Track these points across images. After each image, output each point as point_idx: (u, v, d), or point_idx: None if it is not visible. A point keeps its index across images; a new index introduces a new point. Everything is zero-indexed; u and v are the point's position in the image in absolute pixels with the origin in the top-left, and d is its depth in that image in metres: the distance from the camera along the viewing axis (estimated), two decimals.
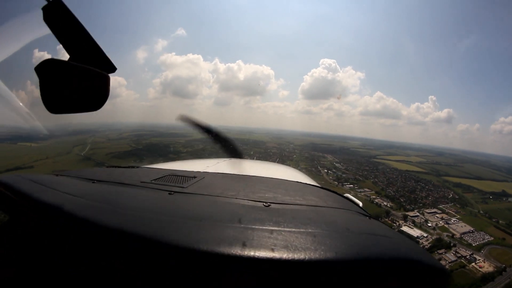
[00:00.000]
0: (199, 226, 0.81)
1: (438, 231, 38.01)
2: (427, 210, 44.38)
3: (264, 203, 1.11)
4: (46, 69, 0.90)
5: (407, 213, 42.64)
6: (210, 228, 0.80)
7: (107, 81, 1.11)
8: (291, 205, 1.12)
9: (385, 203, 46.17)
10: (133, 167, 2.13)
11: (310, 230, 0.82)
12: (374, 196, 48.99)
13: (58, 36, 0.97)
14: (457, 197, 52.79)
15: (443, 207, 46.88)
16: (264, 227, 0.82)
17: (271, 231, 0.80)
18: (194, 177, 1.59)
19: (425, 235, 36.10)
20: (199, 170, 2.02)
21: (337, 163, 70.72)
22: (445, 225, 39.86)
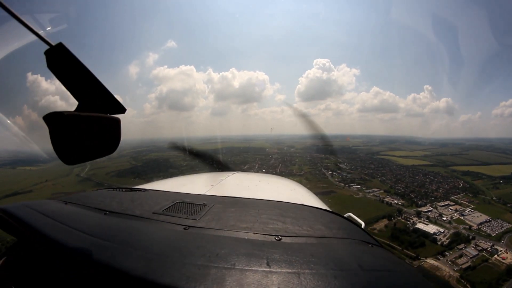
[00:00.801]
0: (224, 272, 0.81)
1: (454, 224, 36.69)
2: (440, 204, 43.08)
3: (276, 237, 1.15)
4: (55, 122, 0.88)
5: (420, 209, 41.32)
6: (236, 274, 0.80)
7: (118, 124, 1.10)
8: (301, 238, 1.17)
9: (395, 201, 44.90)
10: (140, 190, 2.10)
11: (322, 271, 0.83)
12: (383, 195, 47.79)
13: (64, 82, 0.95)
14: (467, 185, 51.55)
15: (456, 198, 45.62)
16: (282, 270, 0.84)
17: (290, 274, 0.81)
18: (204, 204, 1.60)
19: (442, 230, 34.74)
20: (206, 194, 2.06)
21: (341, 163, 69.70)
22: (460, 217, 38.58)
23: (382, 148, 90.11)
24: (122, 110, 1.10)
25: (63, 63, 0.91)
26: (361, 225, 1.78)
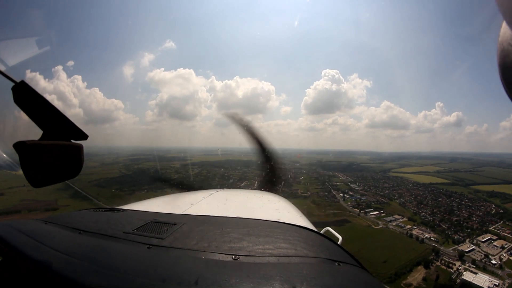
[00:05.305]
0: None
1: (507, 270, 28.67)
2: (480, 238, 35.21)
3: (233, 256, 1.12)
4: (21, 150, 0.97)
5: (459, 247, 33.45)
6: None
7: (80, 150, 1.21)
8: (259, 257, 1.12)
9: (426, 235, 36.96)
10: (119, 210, 2.12)
11: None
12: (409, 225, 39.89)
13: (28, 114, 1.06)
14: (501, 211, 44.18)
15: (494, 228, 37.91)
16: None
17: None
18: (174, 223, 1.60)
19: (496, 282, 26.61)
20: (181, 213, 2.08)
21: (352, 182, 61.87)
22: (510, 258, 30.72)
23: (393, 165, 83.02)
24: (84, 136, 1.19)
25: (26, 97, 1.02)
26: (338, 240, 1.75)
